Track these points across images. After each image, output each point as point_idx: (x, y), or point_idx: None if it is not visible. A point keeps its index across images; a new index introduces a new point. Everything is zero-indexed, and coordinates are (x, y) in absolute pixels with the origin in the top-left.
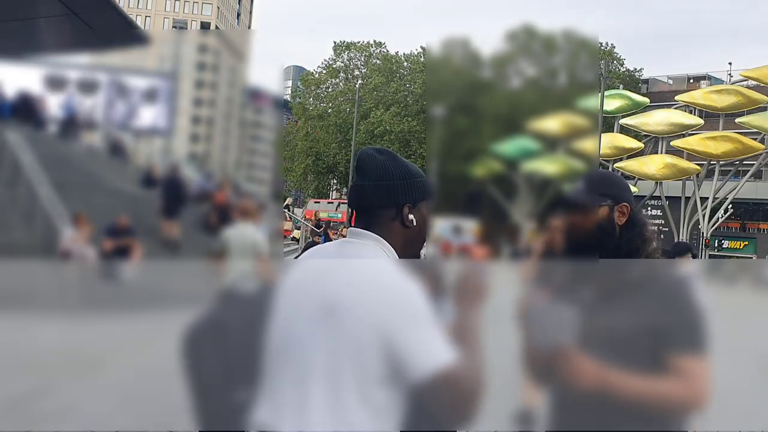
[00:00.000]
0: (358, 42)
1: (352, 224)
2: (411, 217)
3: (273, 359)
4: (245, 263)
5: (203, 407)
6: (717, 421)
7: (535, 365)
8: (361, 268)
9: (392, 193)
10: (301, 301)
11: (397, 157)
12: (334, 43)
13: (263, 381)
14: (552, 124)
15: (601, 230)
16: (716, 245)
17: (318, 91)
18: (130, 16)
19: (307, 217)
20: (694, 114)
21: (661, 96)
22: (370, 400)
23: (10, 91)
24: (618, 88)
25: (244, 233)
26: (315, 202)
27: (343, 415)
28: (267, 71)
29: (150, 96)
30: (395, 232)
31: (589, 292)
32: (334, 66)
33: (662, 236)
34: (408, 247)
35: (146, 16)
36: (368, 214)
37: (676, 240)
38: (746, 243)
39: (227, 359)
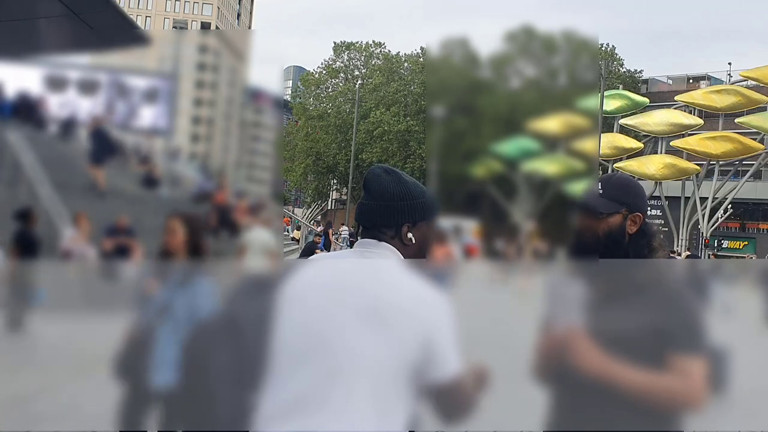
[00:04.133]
0: (358, 42)
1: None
2: (410, 235)
3: (296, 355)
4: (261, 262)
5: (213, 408)
6: (717, 421)
7: (548, 352)
8: (399, 273)
9: (392, 214)
10: (341, 302)
11: (402, 177)
12: (334, 43)
13: (274, 377)
14: (552, 124)
15: (610, 237)
16: (716, 245)
17: (318, 91)
18: (130, 16)
19: None
20: (694, 114)
21: (660, 96)
22: (401, 401)
23: (10, 91)
24: (618, 89)
25: (261, 237)
26: None
27: (386, 415)
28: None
29: (150, 96)
30: (395, 249)
31: (594, 292)
32: (334, 66)
33: (662, 236)
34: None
35: (146, 16)
36: (371, 231)
37: (675, 240)
38: (746, 243)
39: (239, 359)
